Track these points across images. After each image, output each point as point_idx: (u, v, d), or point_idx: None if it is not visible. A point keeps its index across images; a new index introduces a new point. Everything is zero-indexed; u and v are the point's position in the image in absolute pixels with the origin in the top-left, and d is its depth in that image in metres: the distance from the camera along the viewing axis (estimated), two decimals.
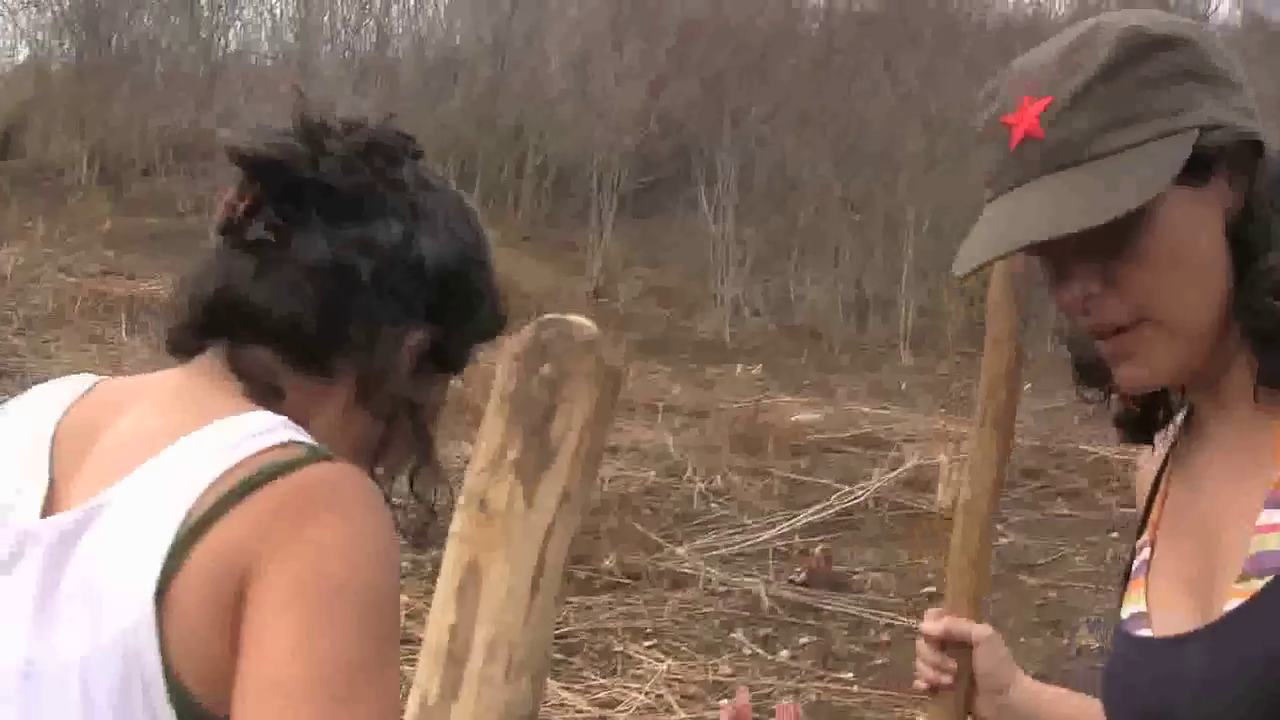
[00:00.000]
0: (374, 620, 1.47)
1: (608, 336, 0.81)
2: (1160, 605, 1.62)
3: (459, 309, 1.76)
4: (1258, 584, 1.49)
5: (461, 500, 0.81)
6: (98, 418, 1.64)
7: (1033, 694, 2.13)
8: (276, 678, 1.42)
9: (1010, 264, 2.17)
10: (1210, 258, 1.50)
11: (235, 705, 1.43)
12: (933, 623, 2.17)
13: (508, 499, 0.79)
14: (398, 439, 1.75)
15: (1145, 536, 1.72)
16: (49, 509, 1.57)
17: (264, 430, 1.55)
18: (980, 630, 2.15)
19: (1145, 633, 1.62)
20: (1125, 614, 1.67)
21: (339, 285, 1.67)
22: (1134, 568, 1.71)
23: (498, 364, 0.82)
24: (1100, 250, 1.51)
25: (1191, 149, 1.46)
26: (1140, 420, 1.71)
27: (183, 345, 1.72)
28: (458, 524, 0.80)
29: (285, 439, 1.55)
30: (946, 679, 2.13)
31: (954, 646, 2.14)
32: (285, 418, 1.59)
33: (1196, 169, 1.47)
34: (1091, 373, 1.70)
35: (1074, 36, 1.54)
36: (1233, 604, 1.51)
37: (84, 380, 1.73)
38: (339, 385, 1.70)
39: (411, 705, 0.84)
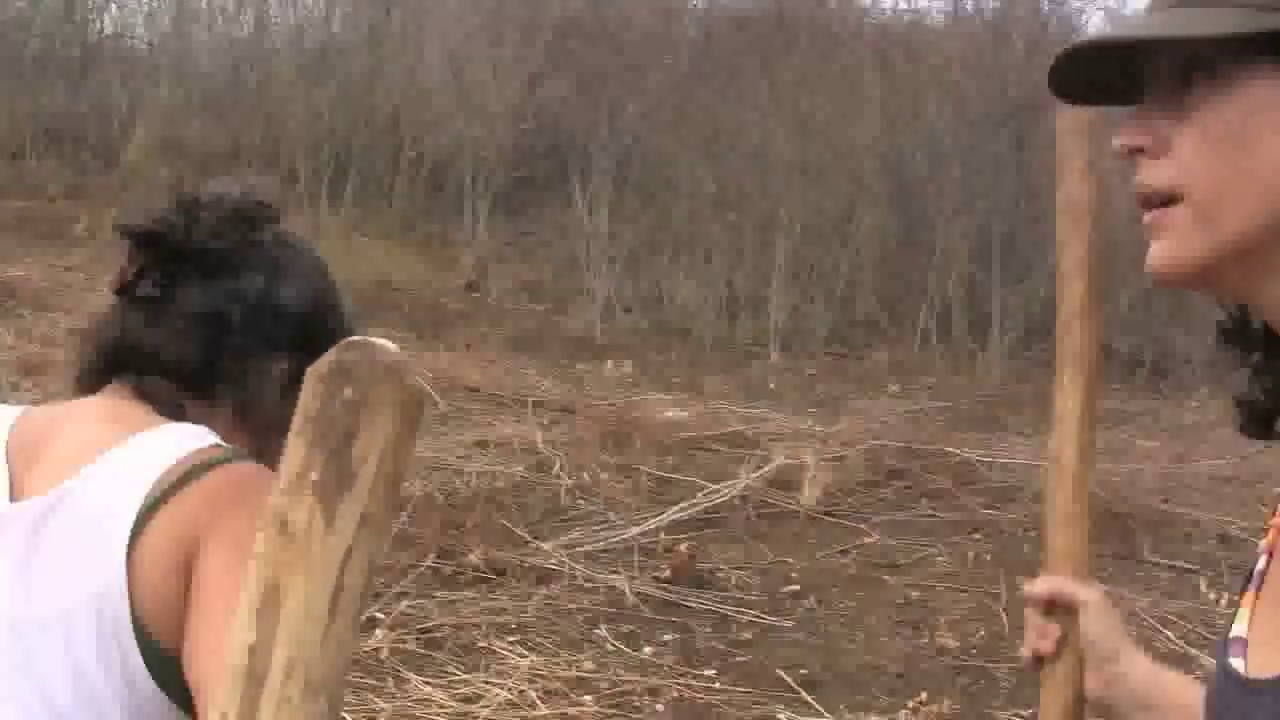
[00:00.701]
0: None
1: (410, 361, 0.83)
2: (1260, 633, 1.43)
3: (316, 341, 1.90)
4: None
5: (259, 521, 0.82)
6: (42, 430, 1.99)
7: (1150, 672, 1.94)
8: (213, 638, 1.72)
9: (1077, 199, 2.11)
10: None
11: (185, 665, 1.77)
12: (1037, 585, 2.02)
13: (308, 520, 0.80)
14: (273, 452, 1.81)
15: (1265, 540, 1.51)
16: (15, 498, 1.91)
17: (198, 436, 1.92)
18: (1087, 592, 1.98)
19: (1238, 663, 1.43)
20: (1229, 631, 1.48)
21: (214, 328, 2.04)
22: (1251, 574, 1.51)
23: (304, 385, 0.83)
24: (1169, 105, 1.38)
25: None
26: (1265, 409, 1.46)
27: (91, 380, 2.08)
28: (259, 544, 0.81)
29: (214, 443, 1.91)
30: (1049, 646, 1.99)
31: (1060, 611, 2.00)
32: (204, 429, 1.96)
33: None
34: (1253, 414, 1.47)
35: None
36: None
37: (8, 411, 2.08)
38: (221, 408, 2.06)
39: None
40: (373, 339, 0.84)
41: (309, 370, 0.83)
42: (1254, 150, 1.32)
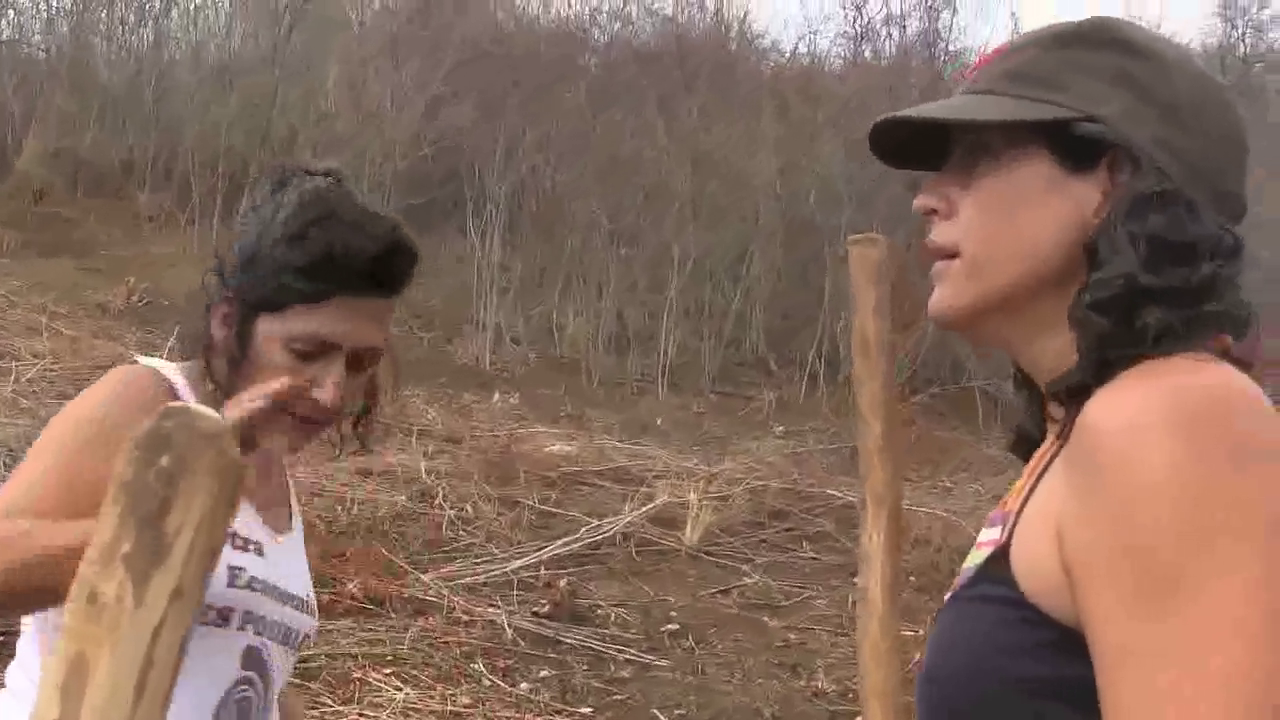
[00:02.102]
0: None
1: (229, 429, 0.80)
2: None
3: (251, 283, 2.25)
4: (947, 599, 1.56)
5: (72, 592, 0.79)
6: None
7: None
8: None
9: (870, 336, 2.19)
10: (1043, 234, 1.53)
11: None
12: None
13: (117, 593, 0.77)
14: (246, 374, 2.23)
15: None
16: None
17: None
18: None
19: None
20: None
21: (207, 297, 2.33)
22: None
23: (121, 454, 0.80)
24: (960, 176, 1.58)
25: (1072, 130, 1.52)
26: (1030, 437, 1.68)
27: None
28: (69, 617, 0.78)
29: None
30: None
31: None
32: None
33: (1077, 156, 1.53)
34: (1020, 438, 1.69)
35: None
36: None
37: None
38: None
39: None
40: (192, 406, 0.82)
41: (128, 438, 0.81)
42: (1018, 220, 1.54)
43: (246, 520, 2.27)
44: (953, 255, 1.58)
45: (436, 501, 10.00)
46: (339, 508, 9.57)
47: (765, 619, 8.81)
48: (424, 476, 10.53)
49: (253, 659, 2.23)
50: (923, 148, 1.65)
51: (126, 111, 22.19)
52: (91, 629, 0.78)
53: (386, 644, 7.55)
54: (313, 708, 6.62)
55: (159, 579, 0.78)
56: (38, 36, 25.15)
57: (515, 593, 8.49)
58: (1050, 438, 1.56)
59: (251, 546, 2.24)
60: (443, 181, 19.21)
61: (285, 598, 2.27)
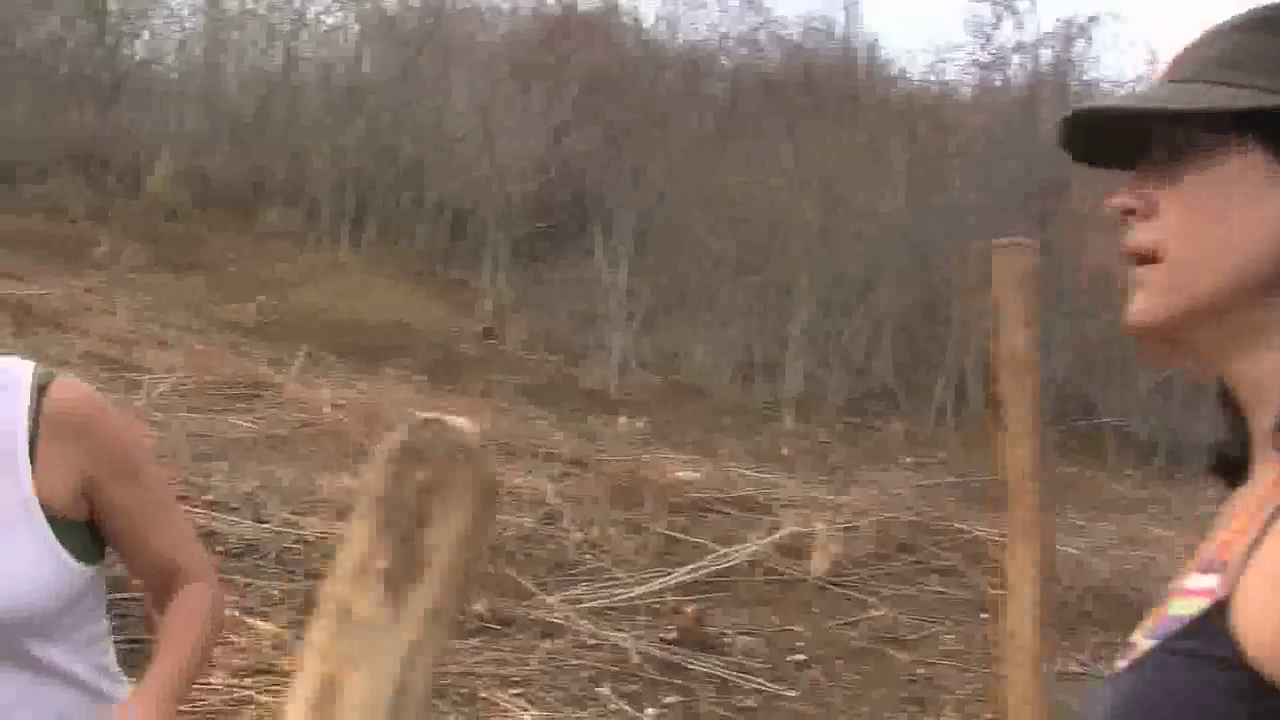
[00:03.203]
0: None
1: (486, 443, 0.76)
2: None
3: None
4: (1145, 646, 1.45)
5: (322, 607, 0.75)
6: None
7: None
8: None
9: (1018, 350, 2.07)
10: (1257, 234, 1.40)
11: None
12: None
13: (372, 611, 0.74)
14: None
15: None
16: None
17: None
18: None
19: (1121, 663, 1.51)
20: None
21: None
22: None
23: (369, 462, 0.77)
24: (1161, 173, 1.46)
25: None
26: (1235, 459, 1.54)
27: None
28: (316, 633, 0.75)
29: None
30: None
31: None
32: None
33: None
34: (1222, 460, 1.57)
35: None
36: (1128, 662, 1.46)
37: None
38: None
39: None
40: (446, 417, 0.78)
41: (377, 448, 0.77)
42: (1229, 220, 1.41)
43: None
44: (1153, 259, 1.45)
45: (562, 524, 9.97)
46: None
47: (892, 652, 8.68)
48: (550, 499, 10.52)
49: None
50: (1119, 144, 1.53)
51: (256, 132, 22.46)
52: (344, 647, 0.74)
53: (513, 664, 7.52)
54: None
55: (416, 596, 0.75)
56: (170, 58, 25.53)
57: (641, 618, 8.43)
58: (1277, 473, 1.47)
59: None
60: (567, 207, 19.27)
61: None
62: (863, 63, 22.75)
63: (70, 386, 2.26)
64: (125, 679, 2.42)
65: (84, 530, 2.26)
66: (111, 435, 2.27)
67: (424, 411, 0.78)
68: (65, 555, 2.21)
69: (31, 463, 2.19)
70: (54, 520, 2.20)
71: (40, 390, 2.21)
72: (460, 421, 0.78)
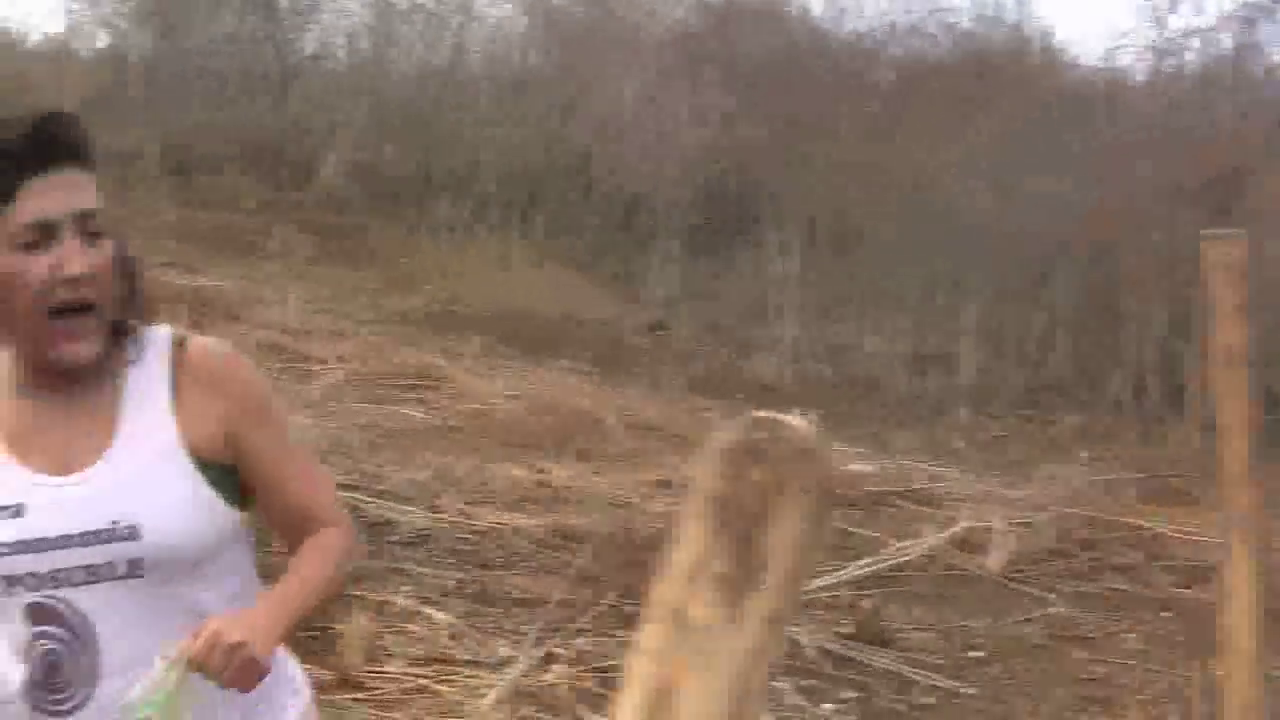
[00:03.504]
0: None
1: (825, 442, 0.73)
2: None
3: None
4: None
5: (652, 613, 0.72)
6: None
7: None
8: None
9: (1234, 344, 1.99)
10: None
11: None
12: None
13: (707, 615, 0.71)
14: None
15: None
16: None
17: None
18: None
19: None
20: None
21: None
22: None
23: (700, 460, 0.74)
24: None
25: None
26: None
27: None
28: (647, 638, 0.72)
29: None
30: None
31: None
32: None
33: None
34: None
35: None
36: None
37: None
38: None
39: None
40: (781, 415, 0.75)
41: (709, 445, 0.74)
42: None
43: None
44: None
45: None
46: (639, 518, 9.57)
47: (1072, 650, 8.53)
48: None
49: (43, 613, 2.30)
50: None
51: (424, 125, 22.64)
52: (678, 652, 0.71)
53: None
54: None
55: (753, 601, 0.72)
56: (340, 52, 25.83)
57: (817, 612, 8.35)
58: None
59: (4, 512, 2.30)
60: (736, 198, 19.21)
61: (64, 541, 2.28)
62: (1035, 50, 22.43)
63: (210, 341, 2.47)
64: None
65: (229, 476, 2.39)
66: (247, 382, 2.45)
67: (759, 411, 0.75)
68: (213, 494, 2.36)
69: (175, 410, 2.35)
70: (201, 463, 2.35)
71: (179, 345, 2.40)
72: (797, 420, 0.75)
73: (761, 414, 0.73)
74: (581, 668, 7.07)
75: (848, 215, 18.04)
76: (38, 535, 2.29)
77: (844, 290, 17.31)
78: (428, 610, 7.61)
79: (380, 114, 22.85)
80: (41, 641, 2.30)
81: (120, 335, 2.37)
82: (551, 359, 15.03)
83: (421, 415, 11.82)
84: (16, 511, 2.30)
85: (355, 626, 6.86)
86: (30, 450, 2.36)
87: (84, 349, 2.29)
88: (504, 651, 7.16)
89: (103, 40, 26.96)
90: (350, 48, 25.87)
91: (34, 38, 28.24)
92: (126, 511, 2.30)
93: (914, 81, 20.81)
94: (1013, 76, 20.40)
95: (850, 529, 10.05)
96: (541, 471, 10.54)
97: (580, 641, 7.39)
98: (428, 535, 8.86)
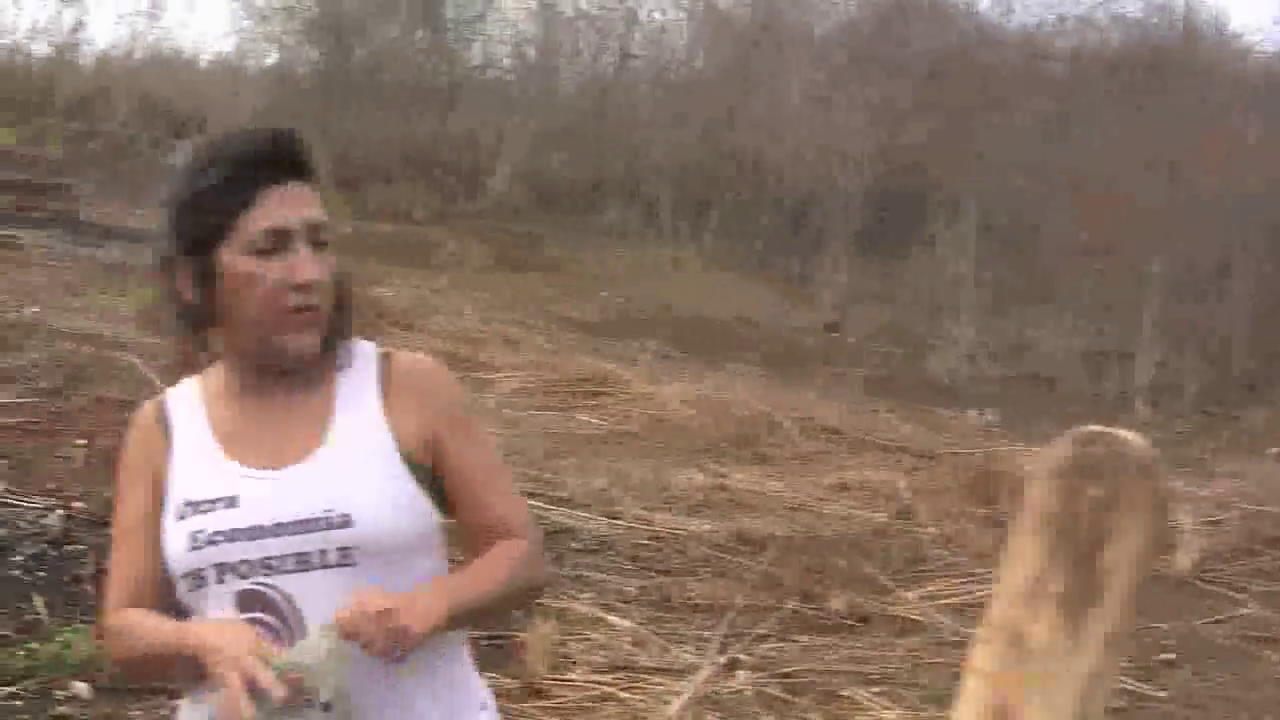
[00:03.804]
0: None
1: (1159, 457, 0.71)
2: None
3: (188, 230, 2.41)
4: None
5: (986, 633, 0.71)
6: None
7: None
8: None
9: None
10: None
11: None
12: None
13: (1048, 635, 0.69)
14: (232, 314, 2.46)
15: None
16: None
17: None
18: None
19: None
20: None
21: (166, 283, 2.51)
22: None
23: (1031, 478, 0.72)
24: None
25: None
26: None
27: None
28: (982, 658, 0.70)
29: None
30: None
31: None
32: None
33: None
34: None
35: None
36: None
37: None
38: None
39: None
40: (1114, 430, 0.73)
41: (1040, 462, 0.73)
42: None
43: (208, 479, 2.45)
44: None
45: (916, 519, 9.85)
46: (818, 523, 9.53)
47: (1267, 653, 8.34)
48: (902, 493, 10.41)
49: (254, 599, 2.38)
50: None
51: (593, 131, 22.75)
52: (1015, 674, 0.70)
53: (873, 662, 7.43)
54: None
55: (1093, 621, 0.70)
56: (506, 62, 26.03)
57: None
58: None
59: (219, 504, 2.41)
60: (908, 197, 19.08)
61: (277, 529, 2.38)
62: (1208, 37, 22.04)
63: (411, 352, 2.59)
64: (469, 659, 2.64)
65: (433, 481, 2.47)
66: (451, 393, 2.55)
67: (1090, 426, 0.73)
68: (419, 493, 2.44)
69: (385, 412, 2.47)
70: (409, 463, 2.44)
71: (386, 356, 2.52)
72: (1130, 435, 0.73)
73: (1094, 429, 0.71)
74: (765, 673, 7.05)
75: (1022, 211, 17.82)
76: (251, 524, 2.39)
77: (1019, 287, 17.12)
78: (610, 617, 7.62)
79: (548, 122, 23.00)
80: (251, 627, 2.36)
81: (332, 343, 2.47)
82: (725, 362, 15.01)
83: (598, 421, 11.86)
84: (230, 503, 2.41)
85: (538, 635, 6.89)
86: (246, 447, 2.48)
87: (309, 342, 2.41)
88: (687, 658, 7.15)
89: (272, 57, 27.47)
90: (516, 57, 26.08)
91: (205, 57, 28.89)
92: (339, 500, 2.39)
93: (1085, 74, 20.51)
94: (1186, 66, 20.03)
95: None
96: (719, 476, 10.53)
97: (764, 647, 7.36)
98: (607, 542, 8.88)
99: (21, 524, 7.88)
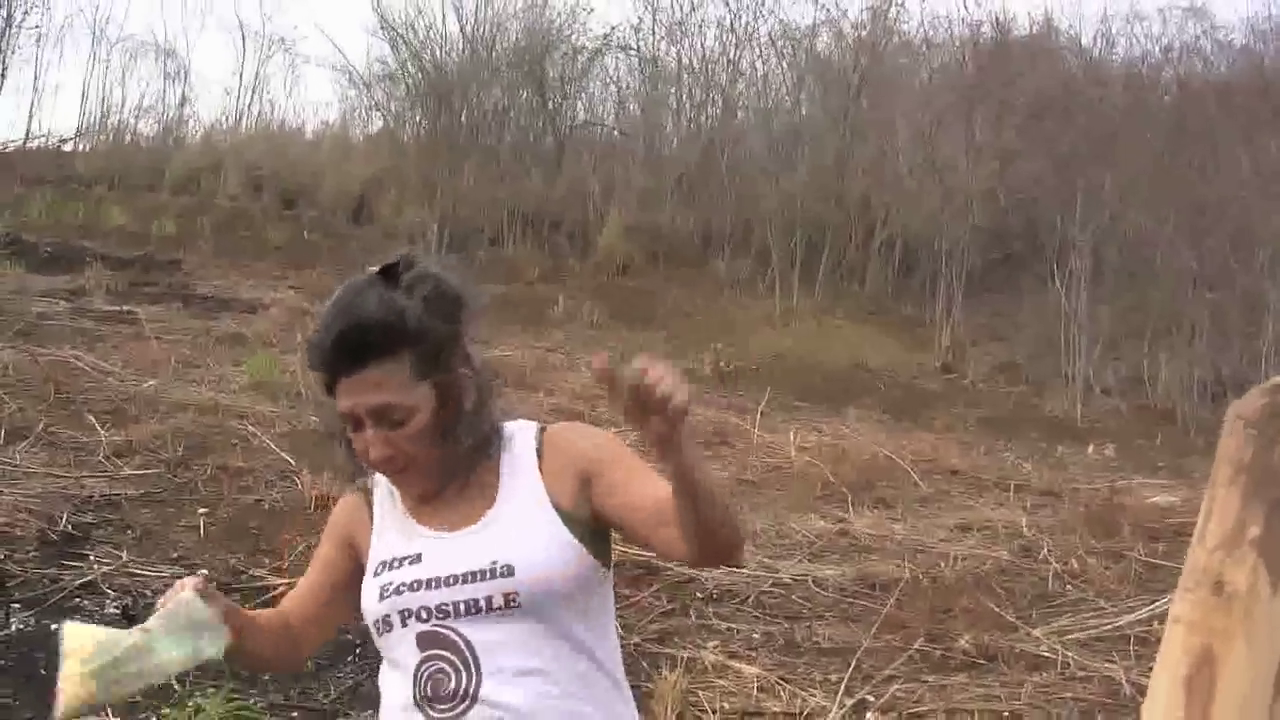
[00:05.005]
0: None
1: None
2: None
3: None
4: None
5: (1188, 581, 0.72)
6: None
7: None
8: None
9: None
10: None
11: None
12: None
13: (1249, 582, 0.70)
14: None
15: None
16: None
17: None
18: None
19: None
20: None
21: None
22: None
23: (1225, 429, 0.74)
24: None
25: None
26: None
27: None
28: (1183, 607, 0.72)
29: None
30: None
31: None
32: None
33: None
34: None
35: None
36: None
37: None
38: None
39: None
40: None
41: (1232, 416, 0.74)
42: None
43: (400, 543, 2.87)
44: None
45: (1040, 555, 9.78)
46: (942, 563, 9.48)
47: None
48: (1024, 531, 10.35)
49: (432, 640, 2.76)
50: None
51: (700, 183, 22.81)
52: (1219, 620, 0.71)
53: (1003, 699, 7.38)
54: None
55: None
56: (610, 118, 26.17)
57: (1131, 648, 8.17)
58: None
59: (405, 562, 2.83)
60: (1020, 235, 18.99)
61: (453, 580, 2.76)
62: None
63: (563, 423, 2.98)
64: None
65: (590, 531, 2.79)
66: (589, 437, 2.88)
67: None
68: (575, 541, 2.76)
69: (541, 474, 2.82)
70: (564, 515, 2.77)
71: (542, 430, 2.90)
72: None
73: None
74: (894, 713, 7.02)
75: (1136, 244, 17.66)
76: (431, 575, 2.79)
77: (1135, 321, 16.96)
78: (736, 664, 7.62)
79: (656, 175, 23.10)
80: (429, 664, 2.76)
81: (484, 442, 2.86)
82: (842, 408, 14.99)
83: (719, 470, 11.85)
84: (416, 559, 2.83)
85: (666, 683, 6.90)
86: (432, 517, 2.88)
87: (417, 491, 2.86)
88: (816, 701, 7.13)
89: (377, 124, 27.81)
90: (620, 112, 26.23)
91: (310, 127, 29.31)
92: (503, 553, 2.75)
93: (1193, 103, 20.33)
94: None
95: (1156, 562, 9.84)
96: (841, 521, 10.50)
97: (892, 688, 7.33)
98: (731, 590, 8.88)
99: (148, 593, 8.01)
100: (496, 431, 2.86)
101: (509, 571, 2.73)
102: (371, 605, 2.86)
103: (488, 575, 2.74)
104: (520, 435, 2.87)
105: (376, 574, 2.87)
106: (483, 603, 2.74)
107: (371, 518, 2.96)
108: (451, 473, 2.82)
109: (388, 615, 2.82)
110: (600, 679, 2.83)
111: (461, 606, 2.75)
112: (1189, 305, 16.68)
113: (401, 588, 2.80)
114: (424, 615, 2.78)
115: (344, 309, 2.72)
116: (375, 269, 2.78)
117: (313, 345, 2.73)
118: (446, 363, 2.76)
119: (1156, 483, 12.53)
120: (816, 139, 21.96)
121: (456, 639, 2.76)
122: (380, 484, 2.95)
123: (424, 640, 2.77)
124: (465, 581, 2.76)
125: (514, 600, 2.73)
